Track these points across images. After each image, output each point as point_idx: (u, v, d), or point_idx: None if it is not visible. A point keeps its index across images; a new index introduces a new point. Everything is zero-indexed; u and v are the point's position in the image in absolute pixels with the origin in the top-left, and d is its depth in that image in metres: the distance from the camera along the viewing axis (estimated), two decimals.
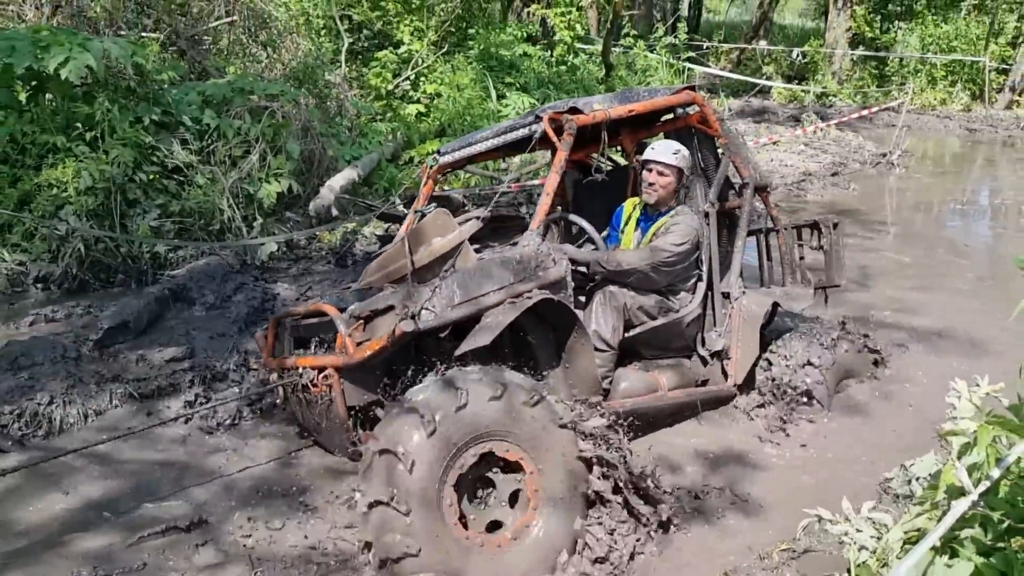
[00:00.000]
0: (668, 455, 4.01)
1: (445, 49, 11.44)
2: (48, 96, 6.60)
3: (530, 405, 3.05)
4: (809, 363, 4.29)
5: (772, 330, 4.63)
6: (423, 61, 10.85)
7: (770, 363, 4.37)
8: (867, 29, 20.51)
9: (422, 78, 10.83)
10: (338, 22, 10.66)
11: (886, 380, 4.80)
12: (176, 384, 4.55)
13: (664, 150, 4.12)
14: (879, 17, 21.52)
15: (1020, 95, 19.04)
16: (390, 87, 10.60)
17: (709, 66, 19.58)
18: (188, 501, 3.69)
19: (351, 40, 10.75)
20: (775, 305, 4.43)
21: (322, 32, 10.81)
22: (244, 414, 4.38)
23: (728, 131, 4.46)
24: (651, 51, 14.44)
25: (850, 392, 4.57)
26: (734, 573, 3.09)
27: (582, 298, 4.09)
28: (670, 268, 4.00)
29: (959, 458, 2.49)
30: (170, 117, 6.89)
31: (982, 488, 2.24)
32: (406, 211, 4.57)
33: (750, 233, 4.75)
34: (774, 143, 12.59)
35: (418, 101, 10.63)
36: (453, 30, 12.30)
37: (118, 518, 3.55)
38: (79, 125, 6.44)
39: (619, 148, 5.00)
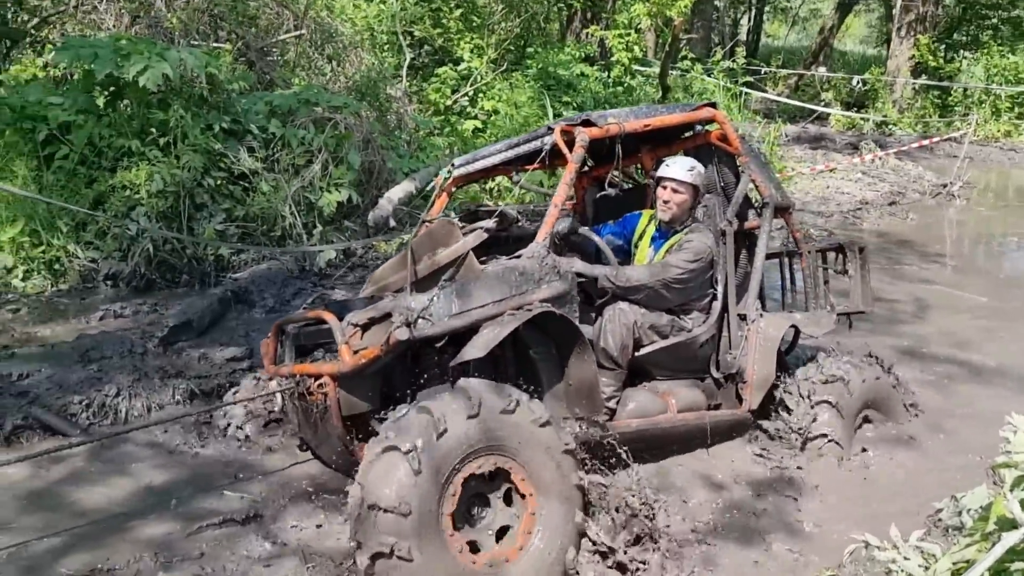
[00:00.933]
0: (710, 473, 3.99)
1: (504, 67, 11.53)
2: (125, 102, 6.79)
3: (508, 412, 2.95)
4: (826, 403, 4.08)
5: (796, 356, 4.53)
6: (482, 78, 10.94)
7: (785, 404, 4.17)
8: (930, 59, 20.13)
9: (480, 95, 10.92)
10: (401, 38, 10.81)
11: (937, 412, 4.71)
12: (235, 383, 4.64)
13: (679, 167, 3.98)
14: (943, 47, 21.11)
15: None
16: (449, 103, 10.73)
17: (767, 91, 19.41)
18: (244, 494, 3.79)
19: (413, 56, 10.91)
20: (796, 329, 4.33)
21: (385, 47, 10.98)
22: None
23: (749, 149, 4.34)
24: (708, 75, 14.38)
25: (900, 422, 4.48)
26: None
27: (593, 314, 4.00)
28: (682, 286, 3.89)
29: (1011, 490, 2.47)
30: (238, 125, 7.05)
31: None
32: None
33: (773, 255, 4.64)
34: (831, 170, 12.42)
35: (475, 117, 10.71)
36: (512, 48, 12.43)
37: (178, 507, 3.65)
38: (153, 130, 6.60)
39: (639, 166, 4.82)
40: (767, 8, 33.51)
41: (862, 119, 18.57)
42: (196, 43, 8.29)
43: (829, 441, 4.02)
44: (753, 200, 4.46)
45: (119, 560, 3.20)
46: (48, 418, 4.20)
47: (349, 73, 9.51)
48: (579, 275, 3.64)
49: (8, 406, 4.22)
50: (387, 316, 3.26)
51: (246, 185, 6.85)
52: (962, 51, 21.59)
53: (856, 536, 3.28)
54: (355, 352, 3.23)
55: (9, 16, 8.92)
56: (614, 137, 3.81)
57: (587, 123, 3.75)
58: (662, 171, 4.00)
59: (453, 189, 4.57)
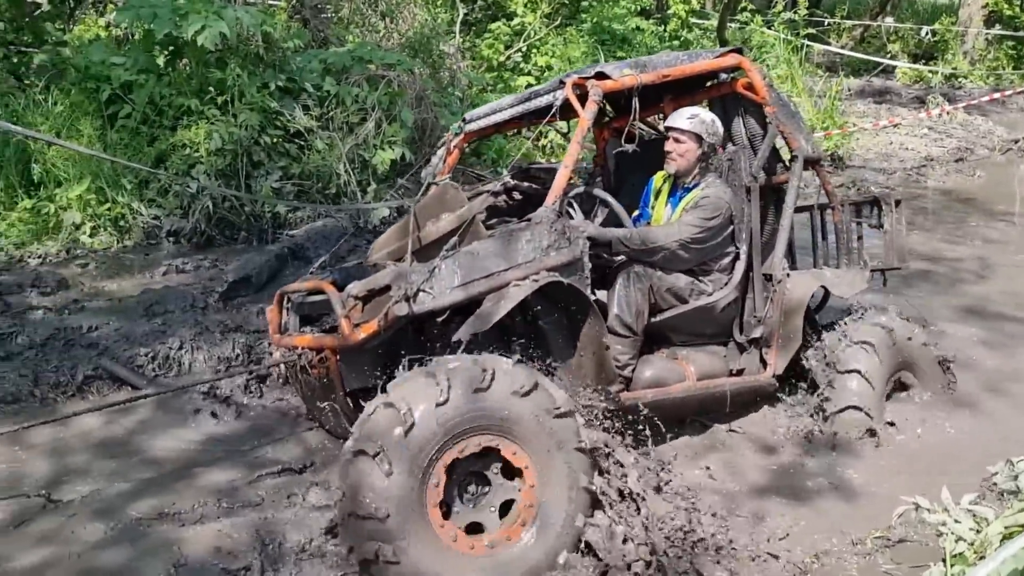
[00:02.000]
0: (762, 436, 3.99)
1: (558, 22, 11.36)
2: (184, 61, 6.83)
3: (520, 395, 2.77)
4: (856, 372, 3.87)
5: (827, 317, 4.30)
6: (535, 33, 10.81)
7: (811, 372, 4.01)
8: (1005, 7, 19.22)
9: (534, 50, 10.77)
10: None
11: (997, 373, 4.63)
12: None
13: (680, 115, 3.82)
14: None
15: None
16: (502, 59, 10.61)
17: (830, 43, 18.77)
18: (301, 445, 3.92)
19: (466, 11, 10.81)
20: (825, 289, 4.10)
21: (438, 3, 10.90)
22: None
23: (777, 99, 4.06)
24: (768, 27, 13.97)
25: (959, 384, 4.38)
26: (825, 556, 3.08)
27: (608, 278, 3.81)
28: (700, 245, 3.68)
29: None
30: (293, 83, 7.02)
31: None
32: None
33: (803, 209, 4.46)
34: (895, 126, 11.96)
35: (529, 73, 10.58)
36: (566, 2, 12.21)
37: (240, 456, 3.78)
38: (211, 89, 6.61)
39: (663, 116, 4.41)
40: None
41: (930, 72, 17.83)
42: (251, 1, 8.30)
43: (859, 411, 3.83)
44: (783, 153, 4.28)
45: (184, 505, 3.32)
46: (117, 369, 4.33)
47: (402, 30, 9.44)
48: (591, 239, 3.46)
49: (79, 357, 4.38)
50: (387, 288, 3.09)
51: (301, 143, 6.86)
52: None
53: (906, 498, 3.27)
54: (356, 326, 3.07)
55: None
56: (632, 89, 3.60)
57: (601, 75, 3.57)
58: (668, 122, 3.88)
59: (464, 146, 4.40)
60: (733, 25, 12.94)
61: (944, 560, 2.70)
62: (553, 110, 3.57)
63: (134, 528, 3.14)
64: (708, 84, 4.30)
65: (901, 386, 4.17)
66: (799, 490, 3.57)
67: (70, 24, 8.64)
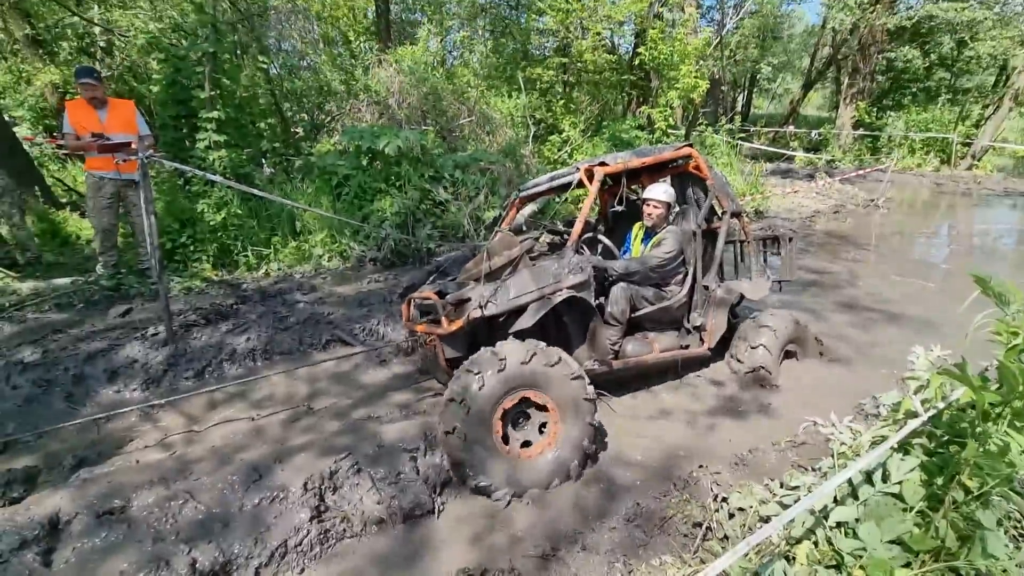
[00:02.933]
0: (716, 377, 3.87)
1: (589, 134, 11.32)
2: (377, 162, 7.01)
3: (550, 365, 2.67)
4: (762, 346, 3.70)
5: (744, 312, 4.05)
6: (575, 141, 10.80)
7: (734, 348, 3.84)
8: (866, 117, 18.22)
9: (575, 151, 10.78)
10: (528, 119, 10.79)
11: (863, 344, 4.40)
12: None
13: (657, 190, 3.65)
14: (876, 109, 19.05)
15: (977, 160, 16.32)
16: (555, 157, 10.65)
17: (753, 142, 18.14)
18: (432, 386, 3.82)
19: (535, 130, 10.87)
20: (741, 295, 3.82)
21: (519, 124, 10.99)
22: None
23: (715, 175, 3.83)
24: (716, 133, 13.56)
25: (839, 352, 4.21)
26: (755, 451, 3.02)
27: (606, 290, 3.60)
28: (663, 270, 3.58)
29: (914, 394, 2.34)
30: (438, 174, 7.14)
31: (931, 413, 2.11)
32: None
33: (731, 242, 4.20)
34: (795, 192, 11.54)
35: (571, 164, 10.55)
36: (593, 123, 12.15)
37: (415, 385, 3.79)
38: (392, 178, 6.76)
39: (641, 187, 4.14)
40: (755, 89, 31.14)
41: (817, 158, 17.06)
42: (414, 127, 8.52)
43: (764, 370, 3.68)
44: (717, 209, 4.02)
45: (381, 412, 3.38)
46: (344, 336, 4.43)
47: (499, 141, 9.57)
48: (595, 268, 3.32)
49: (323, 329, 4.48)
50: (469, 299, 3.06)
51: (442, 208, 6.98)
52: (888, 112, 19.40)
53: (808, 418, 3.18)
54: (451, 321, 3.02)
55: (316, 118, 9.48)
56: (621, 171, 3.48)
57: (602, 163, 3.40)
58: (645, 193, 3.70)
59: (520, 205, 4.15)
60: (695, 132, 12.61)
61: (832, 456, 2.62)
62: (572, 185, 3.47)
63: (354, 425, 3.21)
64: (671, 166, 4.05)
65: (789, 354, 3.95)
66: (736, 413, 3.48)
67: (315, 142, 9.04)
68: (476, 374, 2.58)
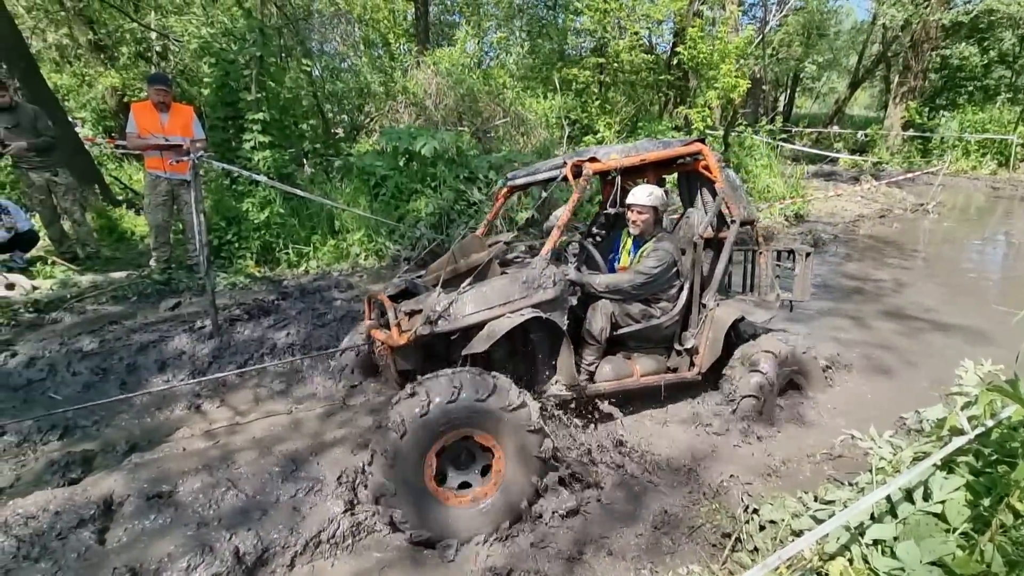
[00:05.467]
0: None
1: (624, 135, 11.21)
2: (414, 163, 7.02)
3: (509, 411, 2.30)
4: (758, 371, 3.25)
5: (747, 330, 3.57)
6: (610, 142, 10.71)
7: (728, 371, 3.36)
8: (917, 118, 17.39)
9: None
10: (563, 120, 10.75)
11: (909, 352, 4.22)
12: None
13: (640, 194, 3.19)
14: (928, 109, 18.15)
15: None
16: None
17: (795, 144, 17.58)
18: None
19: (570, 131, 10.82)
20: (743, 315, 3.37)
21: (553, 125, 10.97)
22: None
23: (726, 177, 3.32)
24: (756, 134, 13.21)
25: (882, 362, 4.04)
26: (790, 462, 2.94)
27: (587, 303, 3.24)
28: (649, 285, 3.11)
29: (961, 410, 2.24)
30: (472, 175, 7.10)
31: (978, 431, 2.02)
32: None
33: (743, 248, 3.69)
34: (838, 195, 11.13)
35: None
36: (629, 124, 12.01)
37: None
38: (428, 179, 6.76)
39: (646, 181, 3.57)
40: (799, 88, 30.13)
41: (863, 160, 16.41)
42: (449, 128, 8.55)
43: (756, 400, 3.20)
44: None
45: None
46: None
47: (533, 142, 9.54)
48: (572, 283, 2.96)
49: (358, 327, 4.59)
50: (421, 310, 2.68)
51: (476, 208, 6.95)
52: (942, 111, 18.45)
53: (845, 430, 3.08)
54: (402, 332, 2.67)
55: (356, 119, 9.67)
56: (615, 168, 3.02)
57: (593, 159, 2.93)
58: (629, 199, 3.21)
59: (507, 195, 3.69)
60: (733, 133, 12.30)
61: (871, 471, 2.53)
62: (555, 181, 3.03)
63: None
64: (678, 163, 3.51)
65: (792, 384, 3.53)
66: (770, 422, 3.37)
67: (354, 143, 9.19)
68: (399, 421, 2.22)
